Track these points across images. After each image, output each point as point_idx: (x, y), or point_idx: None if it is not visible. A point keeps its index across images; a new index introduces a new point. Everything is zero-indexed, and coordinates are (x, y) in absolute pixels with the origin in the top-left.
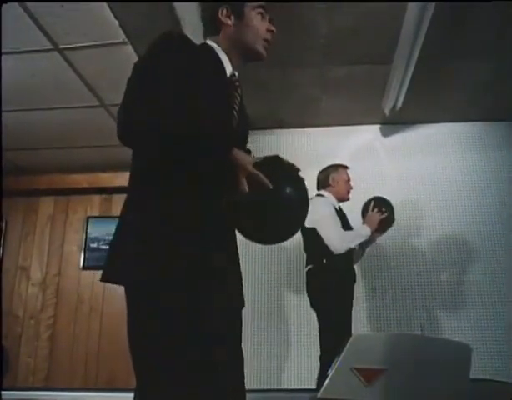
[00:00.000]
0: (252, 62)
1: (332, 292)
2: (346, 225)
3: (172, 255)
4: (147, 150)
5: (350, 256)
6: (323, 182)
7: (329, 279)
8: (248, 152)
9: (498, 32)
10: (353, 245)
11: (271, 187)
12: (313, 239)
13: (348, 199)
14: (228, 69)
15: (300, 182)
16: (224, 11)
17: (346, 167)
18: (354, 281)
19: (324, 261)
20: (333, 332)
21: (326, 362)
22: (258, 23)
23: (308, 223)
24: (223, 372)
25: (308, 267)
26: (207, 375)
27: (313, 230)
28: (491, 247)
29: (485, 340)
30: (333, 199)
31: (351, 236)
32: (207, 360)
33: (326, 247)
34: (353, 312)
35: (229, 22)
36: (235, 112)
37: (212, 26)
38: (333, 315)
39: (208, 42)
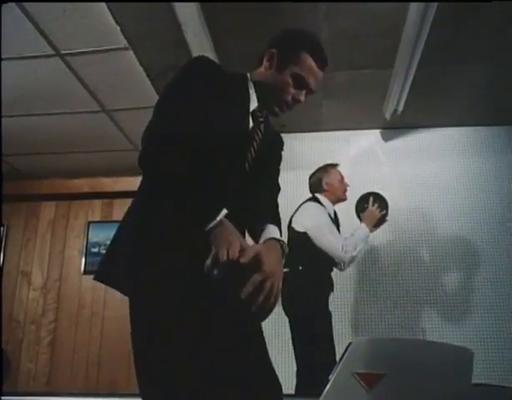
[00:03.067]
0: (264, 110)
1: (303, 300)
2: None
3: (171, 267)
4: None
5: (329, 265)
6: (315, 186)
7: (302, 287)
8: (278, 188)
9: (498, 37)
10: (355, 253)
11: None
12: (298, 243)
13: (345, 199)
14: (253, 104)
15: None
16: (270, 55)
17: (336, 166)
18: (331, 290)
19: (300, 268)
20: (302, 341)
21: (299, 370)
22: (289, 85)
23: (298, 227)
24: (228, 382)
25: (285, 270)
26: (209, 386)
27: (303, 234)
28: (493, 251)
29: (487, 344)
30: (328, 204)
31: (352, 243)
32: (209, 370)
33: (306, 255)
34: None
35: (267, 66)
36: (253, 148)
37: (258, 58)
38: (303, 324)
39: (247, 73)
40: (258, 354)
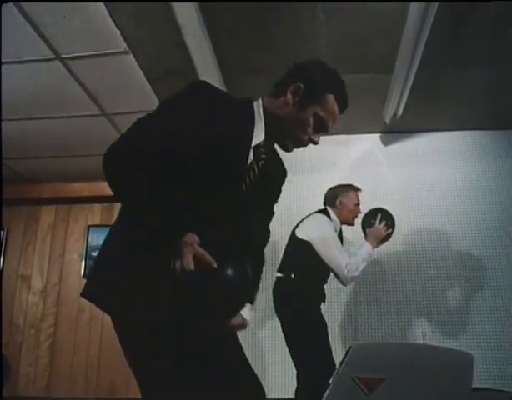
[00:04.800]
0: (275, 142)
1: (293, 307)
2: None
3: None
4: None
5: (324, 278)
6: (330, 200)
7: (293, 295)
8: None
9: (498, 41)
10: (358, 273)
11: (215, 266)
12: (297, 251)
13: (352, 224)
14: (259, 137)
15: (242, 267)
16: (296, 88)
17: (357, 189)
18: (323, 302)
19: (293, 275)
20: (293, 348)
21: (299, 375)
22: (309, 125)
23: (302, 235)
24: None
25: (278, 274)
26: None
27: (305, 243)
28: (493, 255)
29: (487, 348)
30: (336, 220)
31: (355, 263)
32: (196, 382)
33: (303, 264)
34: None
35: (290, 100)
36: (244, 184)
37: (276, 88)
38: (291, 329)
39: (257, 102)
40: (240, 359)
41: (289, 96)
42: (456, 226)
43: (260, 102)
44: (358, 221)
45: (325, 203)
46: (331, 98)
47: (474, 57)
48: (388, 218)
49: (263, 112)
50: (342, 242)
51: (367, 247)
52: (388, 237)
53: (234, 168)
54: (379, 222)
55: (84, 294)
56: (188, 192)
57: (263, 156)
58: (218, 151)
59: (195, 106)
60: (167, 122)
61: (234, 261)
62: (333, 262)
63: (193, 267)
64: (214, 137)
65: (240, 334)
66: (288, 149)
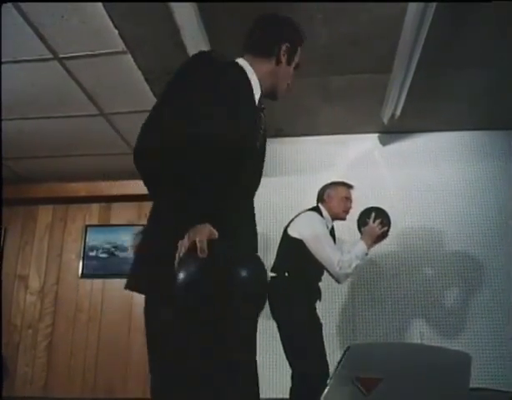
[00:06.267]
0: (266, 97)
1: (288, 307)
2: None
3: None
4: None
5: (318, 275)
6: (319, 196)
7: (287, 294)
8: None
9: (498, 41)
10: (350, 270)
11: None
12: (289, 249)
13: (343, 218)
14: (258, 94)
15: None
16: (286, 48)
17: (348, 186)
18: (318, 299)
19: (286, 274)
20: (288, 347)
21: (293, 374)
22: (292, 75)
23: (294, 233)
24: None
25: (272, 274)
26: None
27: (297, 242)
28: (491, 255)
29: (486, 348)
30: (328, 217)
31: (348, 260)
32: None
33: (295, 262)
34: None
35: (283, 59)
36: (260, 135)
37: (265, 49)
38: (286, 329)
39: (240, 61)
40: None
41: (283, 56)
42: (454, 226)
43: (245, 60)
44: (354, 219)
45: (317, 201)
46: (302, 43)
47: (474, 57)
48: (383, 216)
49: (255, 71)
50: (334, 240)
51: (361, 244)
52: (383, 235)
53: (253, 134)
54: (374, 220)
55: (129, 286)
56: (217, 177)
57: (263, 106)
58: (241, 127)
59: (203, 86)
60: (186, 108)
61: (252, 261)
62: (325, 260)
63: (206, 255)
64: (229, 110)
65: None
66: (277, 99)
